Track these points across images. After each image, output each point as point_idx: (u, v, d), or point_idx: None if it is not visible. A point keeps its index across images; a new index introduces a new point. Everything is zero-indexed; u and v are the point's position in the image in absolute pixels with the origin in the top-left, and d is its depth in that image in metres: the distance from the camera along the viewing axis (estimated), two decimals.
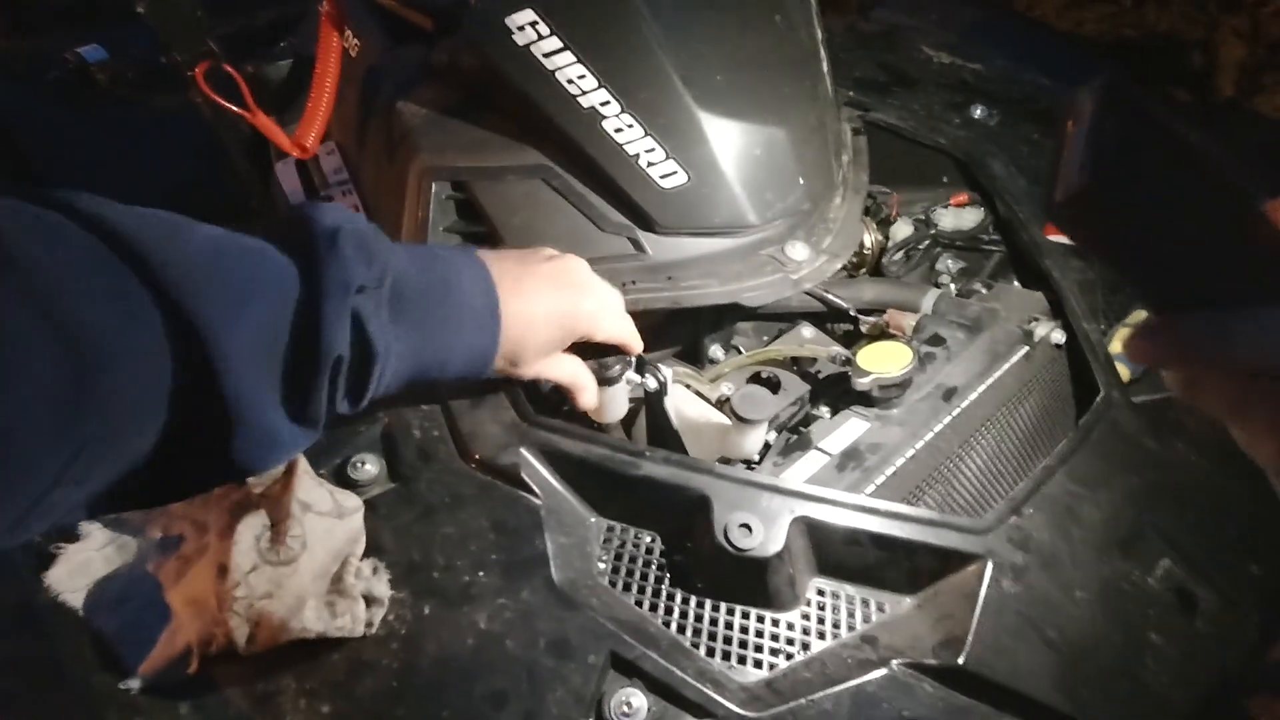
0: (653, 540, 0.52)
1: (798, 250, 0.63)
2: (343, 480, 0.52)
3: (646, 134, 0.55)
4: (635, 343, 0.54)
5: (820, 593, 0.50)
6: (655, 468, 0.50)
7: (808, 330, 0.74)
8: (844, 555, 0.49)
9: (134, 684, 0.43)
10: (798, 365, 0.71)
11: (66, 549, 0.48)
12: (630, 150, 0.56)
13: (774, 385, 0.69)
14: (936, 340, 0.66)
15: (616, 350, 0.54)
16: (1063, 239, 0.72)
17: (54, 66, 1.07)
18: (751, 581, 0.48)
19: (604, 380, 0.54)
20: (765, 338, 0.80)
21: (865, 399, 0.61)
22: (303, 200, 0.74)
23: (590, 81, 0.54)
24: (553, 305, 0.48)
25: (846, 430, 0.59)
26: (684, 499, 0.50)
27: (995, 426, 0.60)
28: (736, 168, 0.58)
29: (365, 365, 0.38)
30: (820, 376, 0.69)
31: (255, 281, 0.33)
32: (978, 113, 0.85)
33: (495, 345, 0.45)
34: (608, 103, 0.54)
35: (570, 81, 0.54)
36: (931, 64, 0.94)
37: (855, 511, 0.49)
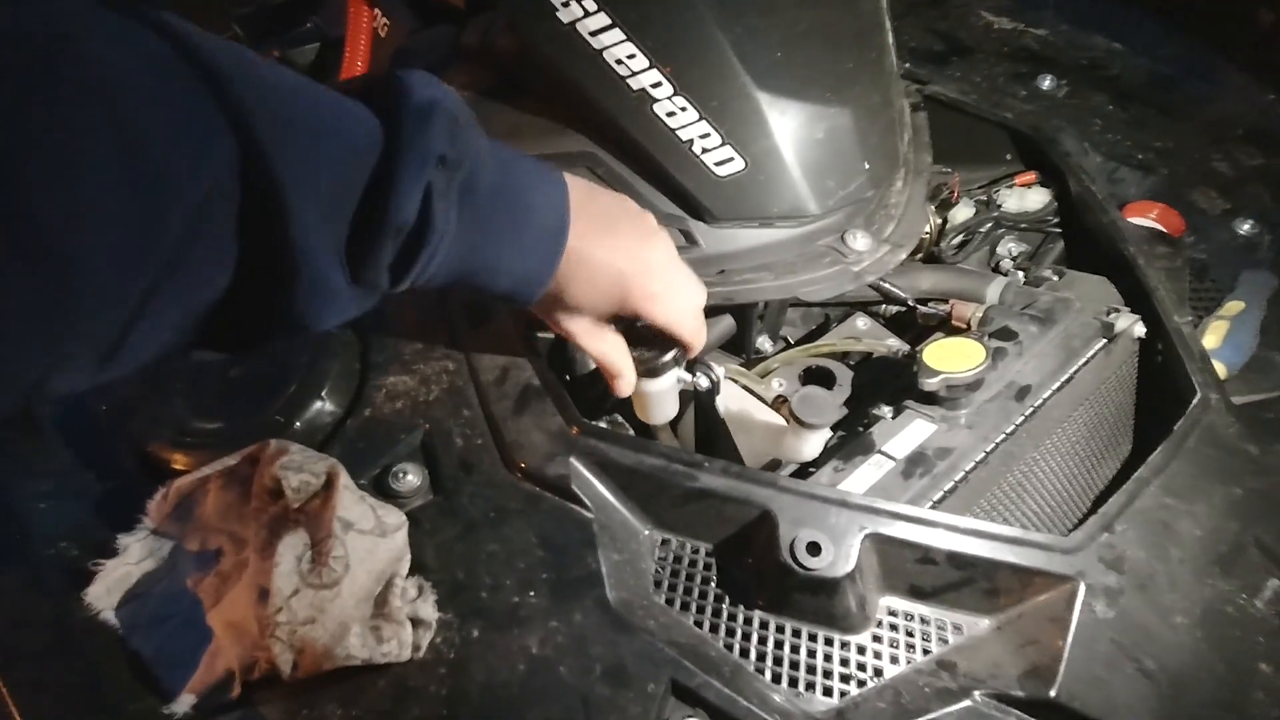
0: (710, 554, 0.49)
1: (858, 240, 0.59)
2: (383, 491, 0.49)
3: (701, 118, 0.51)
4: (695, 342, 0.50)
5: (892, 613, 0.46)
6: (714, 479, 0.47)
7: (862, 321, 0.70)
8: (918, 573, 0.46)
9: (177, 709, 0.42)
10: (849, 358, 0.67)
11: (105, 565, 0.46)
12: (683, 135, 0.52)
13: (827, 380, 0.66)
14: (1006, 334, 0.61)
15: (668, 344, 0.51)
16: (1144, 222, 0.67)
17: None
18: (819, 602, 0.45)
19: (646, 371, 0.50)
20: (813, 326, 0.76)
21: (928, 398, 0.57)
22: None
23: (640, 61, 0.50)
24: (619, 264, 0.44)
25: (911, 433, 0.56)
26: (745, 513, 0.47)
27: (1074, 430, 0.56)
28: (797, 153, 0.53)
29: (418, 241, 0.35)
30: (876, 370, 0.65)
31: (335, 130, 0.32)
32: (1046, 83, 0.79)
33: (550, 272, 0.43)
34: (659, 84, 0.50)
35: (619, 62, 0.50)
36: (991, 30, 0.88)
37: (931, 528, 0.45)
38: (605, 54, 0.50)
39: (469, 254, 0.39)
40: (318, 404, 0.52)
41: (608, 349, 0.49)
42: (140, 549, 0.48)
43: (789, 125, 0.52)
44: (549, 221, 0.42)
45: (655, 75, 0.50)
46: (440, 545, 0.47)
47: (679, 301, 0.48)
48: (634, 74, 0.50)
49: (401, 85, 0.35)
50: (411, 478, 0.49)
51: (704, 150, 0.52)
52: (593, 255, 0.43)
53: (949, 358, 0.56)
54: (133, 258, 0.25)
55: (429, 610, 0.43)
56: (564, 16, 0.49)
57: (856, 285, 0.58)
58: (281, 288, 0.31)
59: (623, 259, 0.44)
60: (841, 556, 0.44)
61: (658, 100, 0.51)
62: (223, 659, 0.43)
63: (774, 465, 0.63)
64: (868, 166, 0.56)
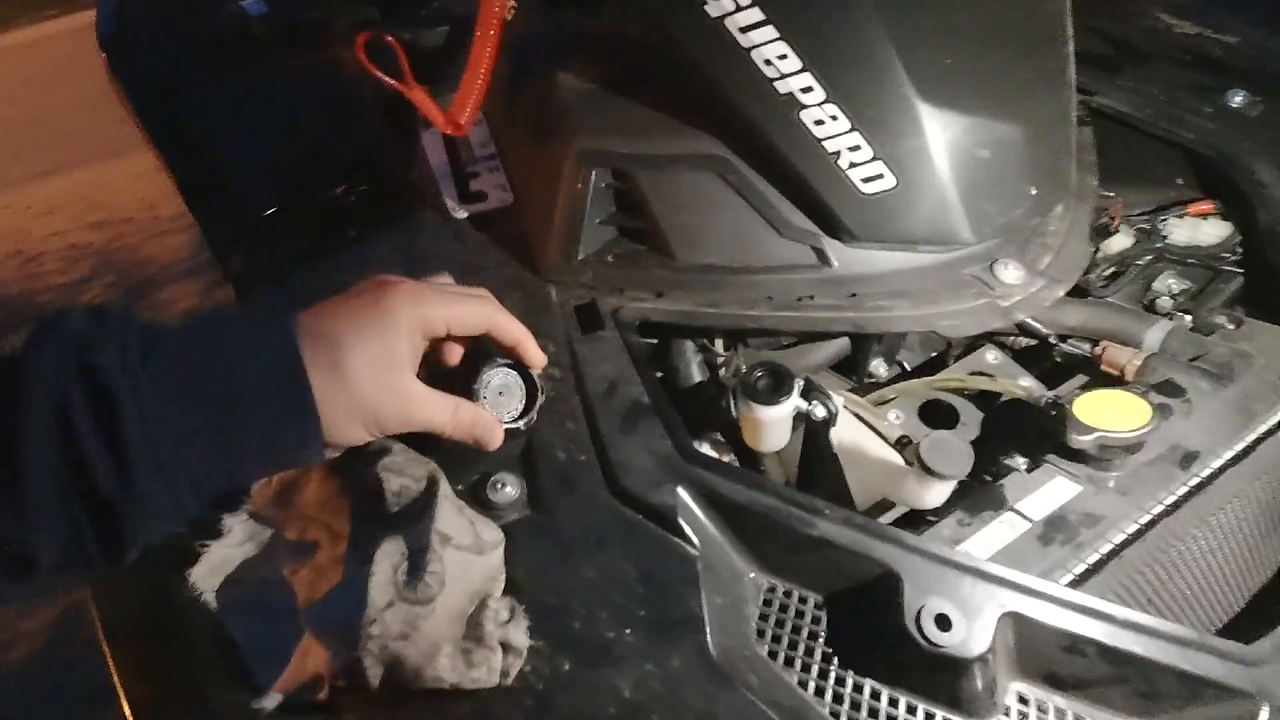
0: (819, 606, 0.45)
1: (1010, 271, 0.53)
2: (480, 500, 0.47)
3: (853, 128, 0.46)
4: (503, 326, 0.44)
5: (1023, 701, 0.41)
6: (834, 529, 0.43)
7: (992, 354, 0.64)
8: (1059, 661, 0.41)
9: (265, 705, 0.41)
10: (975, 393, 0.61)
11: (211, 546, 0.46)
12: (830, 146, 0.47)
13: (951, 417, 0.60)
14: (1172, 389, 0.54)
15: (774, 364, 0.47)
16: None
17: (217, 22, 1.08)
18: (943, 680, 0.40)
19: (757, 398, 0.46)
20: (932, 353, 0.70)
21: (1073, 453, 0.51)
22: (447, 172, 0.70)
23: (792, 63, 0.45)
24: (362, 327, 0.38)
25: (1051, 492, 0.50)
26: (865, 569, 0.42)
27: (1249, 508, 0.49)
28: (957, 172, 0.48)
29: (106, 407, 0.30)
30: (1007, 414, 0.59)
31: None
32: (1237, 100, 0.69)
33: (309, 414, 0.36)
34: (810, 89, 0.45)
35: (768, 62, 0.45)
36: (1172, 34, 0.78)
37: (1083, 614, 0.40)
38: (754, 53, 0.45)
39: (202, 430, 0.33)
40: None
41: (446, 412, 0.41)
42: (242, 531, 0.48)
43: (951, 141, 0.47)
44: (272, 356, 0.35)
45: (807, 79, 0.45)
46: (534, 565, 0.45)
47: (462, 302, 0.42)
48: (783, 76, 0.46)
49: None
50: (510, 490, 0.47)
51: (851, 164, 0.47)
52: (339, 350, 0.37)
53: (1104, 412, 0.50)
54: None
55: (521, 636, 0.41)
56: (713, 10, 0.45)
57: (1004, 324, 0.52)
58: None
59: (360, 320, 0.38)
60: (974, 635, 0.39)
61: (807, 106, 0.46)
62: (313, 659, 0.42)
63: (884, 506, 0.58)
64: (1034, 191, 0.50)
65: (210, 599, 0.45)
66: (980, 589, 0.41)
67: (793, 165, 0.48)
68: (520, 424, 0.46)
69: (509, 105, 0.65)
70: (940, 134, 0.46)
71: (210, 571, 0.46)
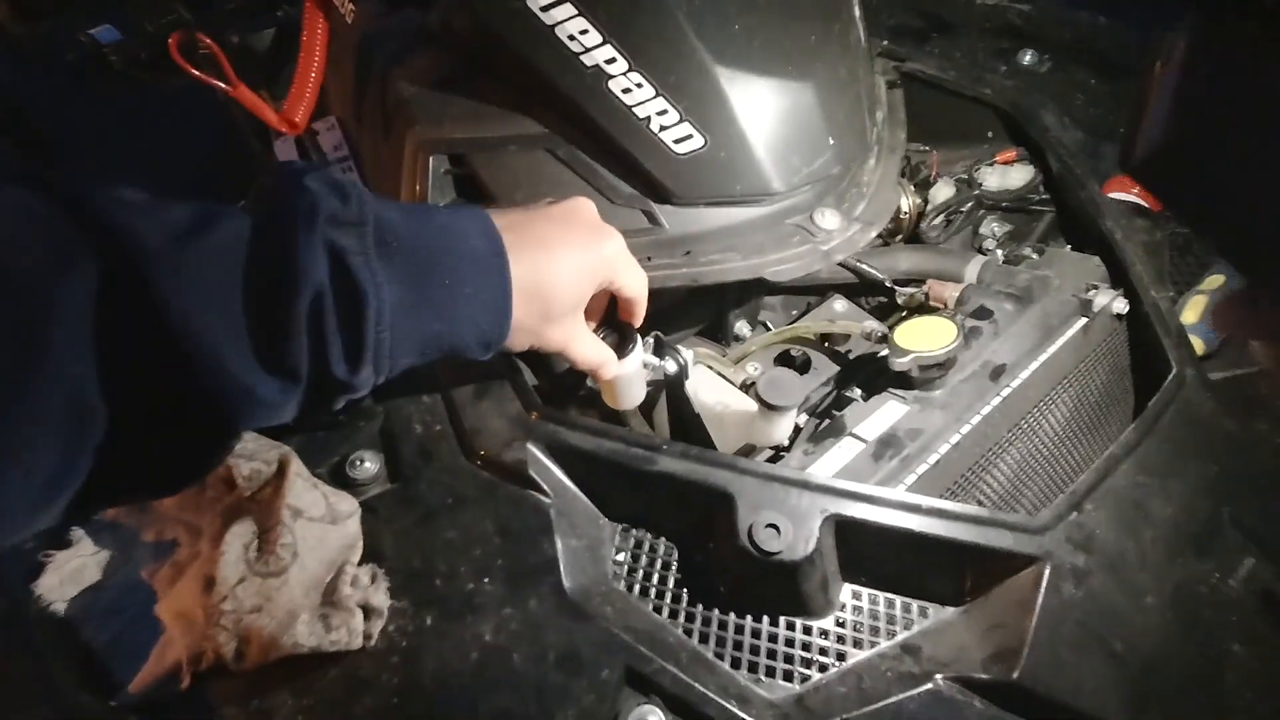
0: (671, 540, 0.48)
1: (828, 219, 0.57)
2: (341, 480, 0.48)
3: (658, 94, 0.50)
4: (643, 299, 0.48)
5: (856, 598, 0.45)
6: (672, 463, 0.46)
7: (840, 304, 0.69)
8: (882, 557, 0.45)
9: (123, 700, 0.41)
10: (829, 343, 0.66)
11: (56, 556, 0.46)
12: (640, 113, 0.50)
13: (804, 365, 0.65)
14: (982, 313, 0.60)
15: (622, 325, 0.50)
16: (1125, 197, 0.65)
17: (70, 49, 1.05)
18: (780, 587, 0.44)
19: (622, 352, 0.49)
20: (794, 312, 0.75)
21: (904, 380, 0.55)
22: None
23: (594, 37, 0.48)
24: (570, 248, 0.42)
25: (883, 414, 0.54)
26: (704, 497, 0.46)
27: (1049, 410, 0.55)
28: (758, 129, 0.52)
29: (355, 307, 0.33)
30: (852, 355, 0.64)
31: (205, 216, 0.31)
32: (1027, 59, 0.77)
33: (505, 302, 0.39)
34: (613, 60, 0.49)
35: (571, 38, 0.49)
36: (974, 6, 0.86)
37: (895, 510, 0.44)
38: (557, 30, 0.49)
39: (419, 312, 0.36)
40: None
41: (587, 347, 0.46)
42: (94, 540, 0.48)
43: (748, 101, 0.51)
44: (481, 245, 0.39)
45: (609, 51, 0.49)
46: (397, 533, 0.46)
47: (627, 251, 0.46)
48: (587, 50, 0.49)
49: (271, 174, 0.34)
50: (369, 465, 0.49)
51: (662, 128, 0.51)
52: (542, 255, 0.41)
53: (920, 337, 0.55)
54: (19, 399, 0.25)
55: (381, 598, 0.43)
56: None
57: (826, 265, 0.57)
58: (188, 396, 0.30)
59: (569, 238, 0.42)
60: (801, 539, 0.43)
61: (613, 77, 0.50)
62: (173, 650, 0.42)
63: (748, 452, 0.62)
64: (833, 143, 0.55)
65: (60, 609, 0.45)
66: (805, 498, 0.44)
67: (611, 135, 0.52)
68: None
69: (356, 104, 0.67)
70: (738, 94, 0.51)
71: (60, 582, 0.46)
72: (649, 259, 0.56)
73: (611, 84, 0.50)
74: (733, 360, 0.65)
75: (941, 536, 0.43)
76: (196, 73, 0.53)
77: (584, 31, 0.48)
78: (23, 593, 0.44)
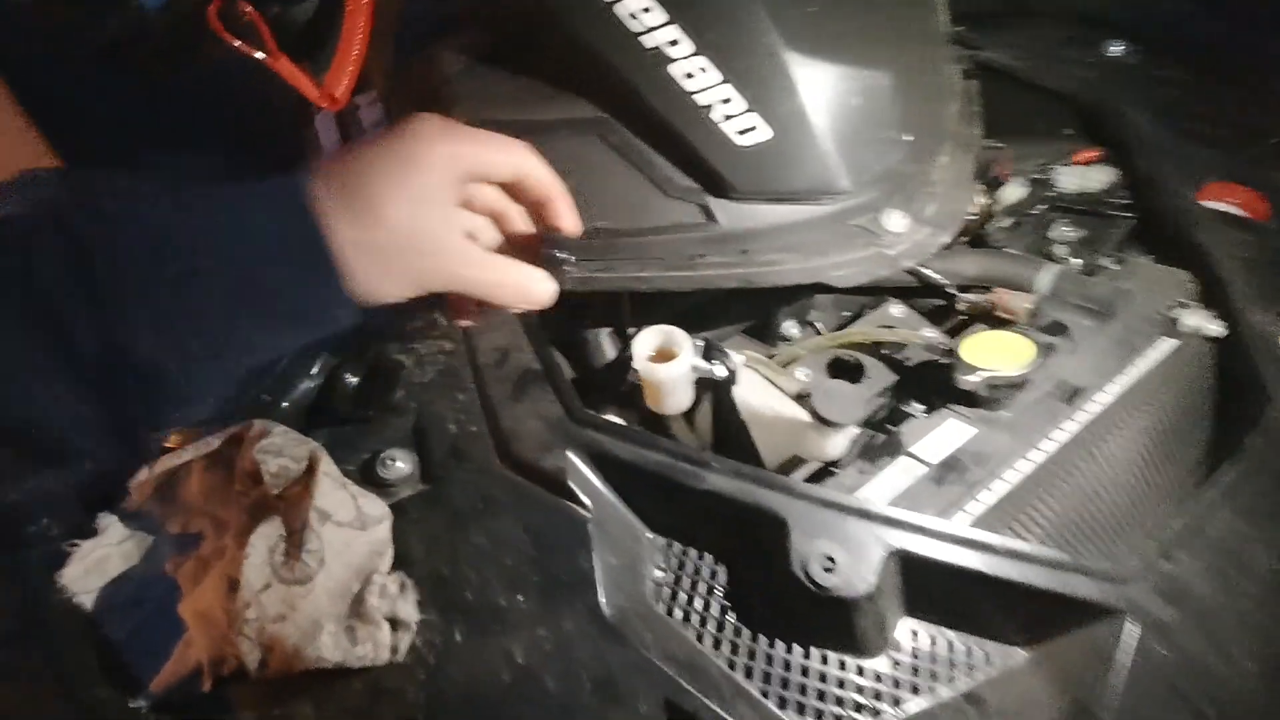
0: (716, 562, 0.45)
1: (894, 220, 0.53)
2: (371, 478, 0.46)
3: (724, 80, 0.46)
4: (537, 175, 0.38)
5: (914, 636, 0.42)
6: (722, 480, 0.43)
7: (896, 308, 0.65)
8: (946, 595, 0.42)
9: (143, 702, 0.40)
10: (884, 348, 0.62)
11: (81, 546, 0.44)
12: (701, 100, 0.47)
13: (856, 371, 0.61)
14: (1057, 328, 0.56)
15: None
16: (1224, 207, 0.60)
17: (112, 24, 1.03)
18: (833, 623, 0.40)
19: (660, 358, 0.45)
20: (845, 313, 0.71)
21: (967, 396, 0.52)
22: None
23: (656, 15, 0.45)
24: (388, 161, 0.33)
25: (945, 434, 0.51)
26: (755, 519, 0.42)
27: (1130, 439, 0.50)
28: (830, 121, 0.48)
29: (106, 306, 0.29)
30: (910, 363, 0.60)
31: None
32: (1114, 50, 0.71)
33: (325, 259, 0.32)
34: (676, 42, 0.45)
35: (632, 16, 0.45)
36: None
37: (964, 548, 0.40)
38: (616, 7, 0.45)
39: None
40: (307, 383, 0.49)
41: (493, 269, 0.37)
42: (120, 529, 0.46)
43: (822, 90, 0.47)
44: (282, 218, 0.32)
45: (673, 31, 0.45)
46: (427, 538, 0.44)
47: (496, 140, 0.37)
48: (649, 30, 0.45)
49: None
50: (401, 465, 0.46)
51: (725, 117, 0.47)
52: (375, 198, 0.33)
53: (991, 353, 0.51)
54: None
55: (409, 610, 0.40)
56: None
57: (891, 271, 0.53)
58: None
59: (410, 168, 0.34)
60: (859, 574, 0.39)
61: (674, 60, 0.46)
62: (194, 650, 0.41)
63: (795, 464, 0.58)
64: (908, 139, 0.50)
65: (85, 600, 0.43)
66: (865, 529, 0.41)
67: (668, 122, 0.48)
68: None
69: (398, 83, 0.64)
70: (811, 83, 0.47)
71: (85, 572, 0.44)
72: (702, 256, 0.52)
73: (673, 68, 0.46)
74: (780, 363, 0.61)
75: (1015, 581, 0.40)
76: (237, 42, 0.50)
77: (646, 9, 0.45)
78: (43, 584, 0.43)
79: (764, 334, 0.65)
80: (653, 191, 0.51)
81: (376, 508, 0.43)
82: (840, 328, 0.66)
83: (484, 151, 0.36)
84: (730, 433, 0.58)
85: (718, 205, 0.51)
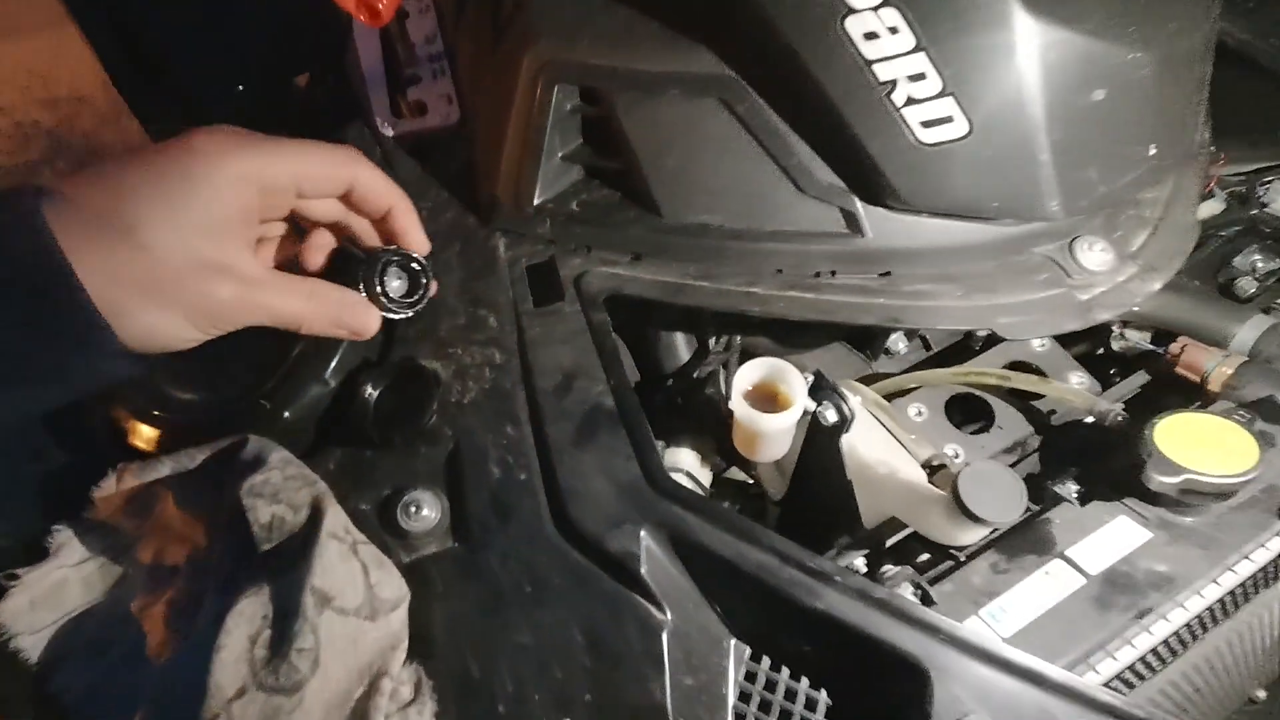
0: (816, 689, 0.35)
1: (1093, 253, 0.40)
2: (389, 525, 0.37)
3: (918, 47, 0.32)
4: (371, 185, 0.33)
5: None
6: (844, 603, 0.33)
7: (1040, 343, 0.52)
8: None
9: None
10: (1019, 393, 0.50)
11: (24, 577, 0.36)
12: (881, 73, 0.33)
13: (981, 415, 0.49)
14: (1272, 411, 0.43)
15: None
16: None
17: None
18: None
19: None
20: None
21: (1144, 489, 0.40)
22: (380, 76, 0.55)
23: None
24: (160, 179, 0.29)
25: (1111, 536, 0.40)
26: (884, 659, 0.32)
27: None
28: (1057, 119, 0.34)
29: None
30: (1055, 420, 0.48)
31: None
32: None
33: (62, 290, 0.27)
34: None
35: None
36: None
37: None
38: None
39: None
40: (317, 390, 0.39)
41: (296, 295, 0.32)
42: (78, 549, 0.37)
43: (1056, 73, 0.33)
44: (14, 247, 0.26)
45: None
46: (453, 618, 0.35)
47: (314, 150, 0.32)
48: None
49: None
50: (428, 513, 0.37)
51: (909, 100, 0.34)
52: (140, 223, 0.28)
53: (1196, 445, 0.39)
54: None
55: None
56: None
57: (1082, 323, 0.40)
58: None
59: (180, 182, 0.29)
60: None
61: (856, 11, 0.32)
62: None
63: (895, 525, 0.48)
64: (1153, 151, 0.37)
65: (28, 644, 0.35)
66: (1032, 698, 0.31)
67: (826, 96, 0.35)
68: (406, 313, 0.35)
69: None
70: (1041, 61, 0.33)
71: (31, 605, 0.36)
72: (832, 273, 0.40)
73: (849, 22, 0.32)
74: (884, 393, 0.50)
75: None
76: None
77: None
78: None
79: (864, 343, 0.53)
80: (783, 183, 0.38)
81: (392, 587, 0.33)
82: (954, 345, 0.53)
83: (290, 165, 0.31)
84: (827, 483, 0.47)
85: (868, 213, 0.38)
